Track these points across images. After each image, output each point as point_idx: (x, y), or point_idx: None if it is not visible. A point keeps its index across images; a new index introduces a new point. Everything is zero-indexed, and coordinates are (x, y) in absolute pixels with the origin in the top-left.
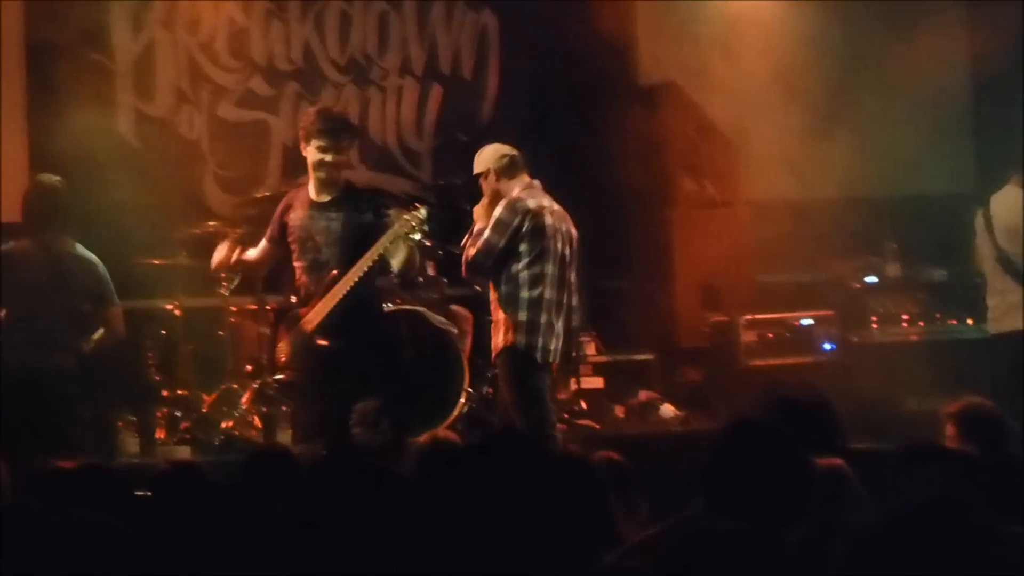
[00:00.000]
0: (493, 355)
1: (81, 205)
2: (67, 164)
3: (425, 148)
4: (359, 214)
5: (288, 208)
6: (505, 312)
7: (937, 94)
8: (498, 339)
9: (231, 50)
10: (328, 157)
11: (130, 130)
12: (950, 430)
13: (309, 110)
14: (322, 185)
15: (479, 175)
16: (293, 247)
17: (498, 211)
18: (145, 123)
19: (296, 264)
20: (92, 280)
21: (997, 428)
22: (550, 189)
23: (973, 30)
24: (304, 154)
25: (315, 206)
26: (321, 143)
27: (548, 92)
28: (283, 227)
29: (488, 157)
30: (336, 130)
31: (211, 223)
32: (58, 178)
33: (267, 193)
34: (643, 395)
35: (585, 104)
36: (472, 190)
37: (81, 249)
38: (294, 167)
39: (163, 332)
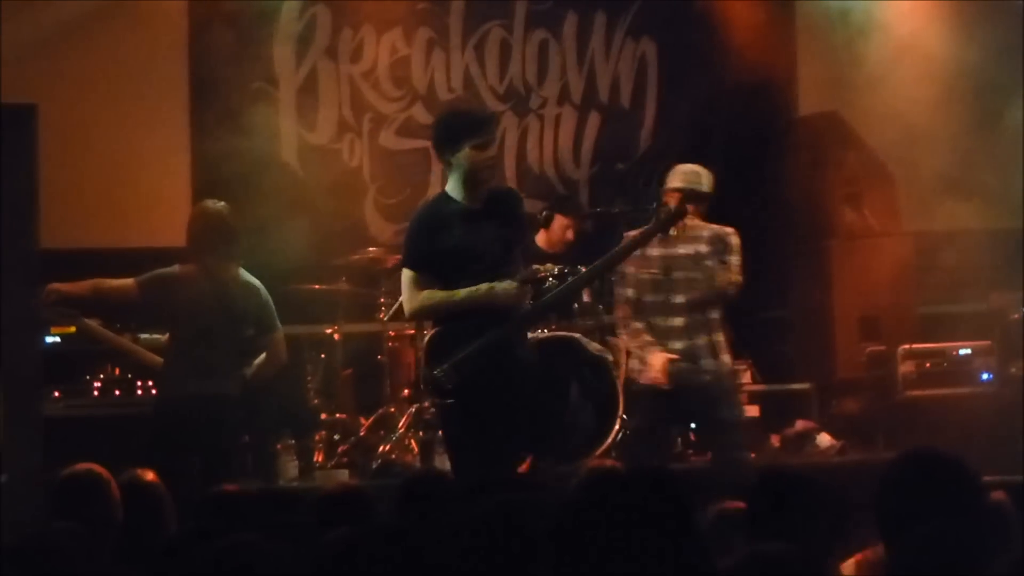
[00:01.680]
0: None
1: (244, 231)
2: (230, 190)
3: (582, 176)
4: (512, 215)
5: (439, 227)
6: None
7: None
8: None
9: (392, 78)
10: (490, 154)
11: (292, 157)
12: None
13: (447, 111)
14: (476, 189)
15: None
16: (460, 264)
17: (736, 241)
18: (307, 150)
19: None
20: (256, 306)
21: None
22: (706, 217)
23: None
24: (451, 160)
25: (474, 215)
26: (479, 140)
27: (707, 121)
28: (450, 247)
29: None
30: (491, 123)
31: (371, 250)
32: (223, 204)
33: None
34: (799, 424)
35: (744, 133)
36: (629, 217)
37: (245, 275)
38: None
39: (323, 356)
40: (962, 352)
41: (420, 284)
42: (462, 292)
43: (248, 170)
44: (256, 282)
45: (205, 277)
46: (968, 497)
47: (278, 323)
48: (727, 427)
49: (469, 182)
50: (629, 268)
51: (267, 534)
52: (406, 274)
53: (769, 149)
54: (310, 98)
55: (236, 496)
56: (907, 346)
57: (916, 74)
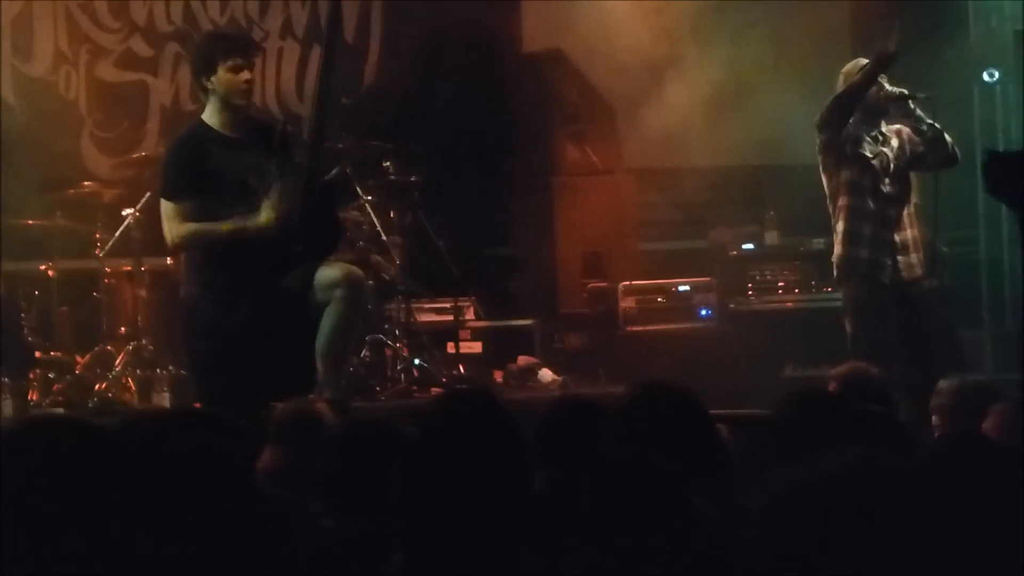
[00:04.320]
0: None
1: None
2: None
3: (306, 111)
4: (272, 144)
5: (196, 156)
6: None
7: (819, 65)
8: None
9: (111, 10)
10: (246, 76)
11: (7, 89)
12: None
13: (204, 34)
14: (234, 115)
15: None
16: (217, 193)
17: None
18: (23, 82)
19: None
20: None
21: (880, 392)
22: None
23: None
24: (207, 85)
25: (235, 144)
26: (235, 62)
27: (432, 56)
28: (208, 176)
29: None
30: (247, 45)
31: (88, 184)
32: None
33: (144, 154)
34: (521, 360)
35: (469, 69)
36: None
37: None
38: (173, 129)
39: (37, 293)
40: (682, 288)
41: (182, 215)
42: (227, 224)
43: None
44: None
45: None
46: (696, 431)
47: None
48: None
49: (225, 108)
50: None
51: None
52: (166, 205)
53: (493, 85)
54: (26, 29)
55: None
56: (627, 283)
57: (640, 10)
